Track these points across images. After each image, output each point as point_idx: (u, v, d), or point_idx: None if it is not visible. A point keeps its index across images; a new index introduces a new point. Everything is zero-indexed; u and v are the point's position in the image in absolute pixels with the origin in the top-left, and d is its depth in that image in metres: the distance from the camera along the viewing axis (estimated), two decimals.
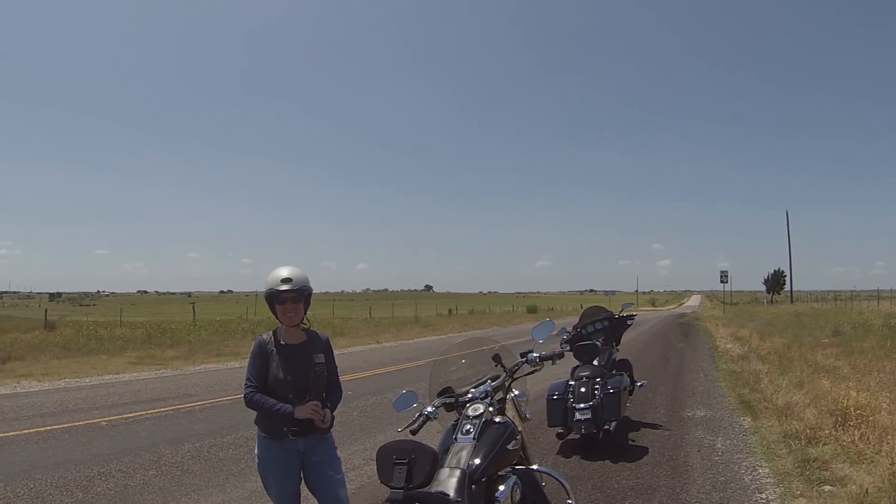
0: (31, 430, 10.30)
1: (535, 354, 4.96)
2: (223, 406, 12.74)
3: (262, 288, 4.59)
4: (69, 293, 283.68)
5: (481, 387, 4.62)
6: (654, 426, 10.41)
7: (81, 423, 10.94)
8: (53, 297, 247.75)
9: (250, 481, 7.43)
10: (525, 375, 5.01)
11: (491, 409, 4.42)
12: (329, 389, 4.70)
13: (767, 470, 7.86)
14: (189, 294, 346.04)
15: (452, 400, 4.60)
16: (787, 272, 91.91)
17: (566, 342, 10.27)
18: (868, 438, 8.37)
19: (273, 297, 4.50)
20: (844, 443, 8.42)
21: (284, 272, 4.49)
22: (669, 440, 9.49)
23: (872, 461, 7.54)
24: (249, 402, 4.48)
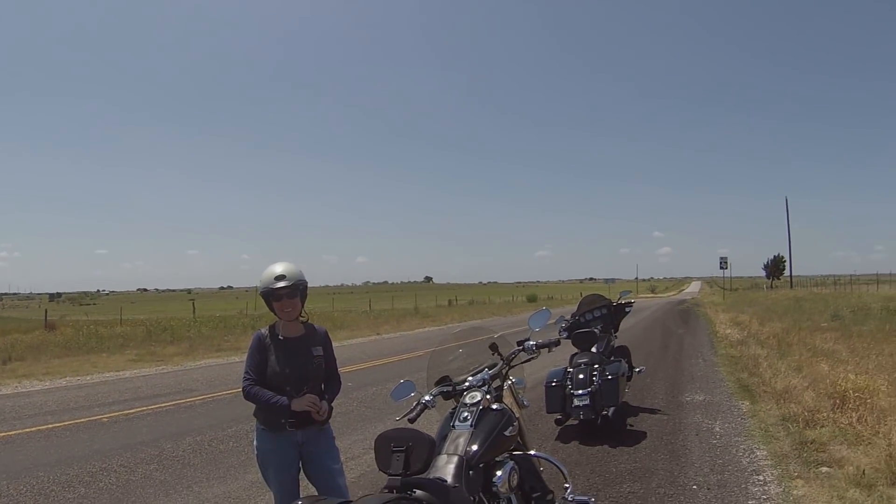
0: (33, 429, 10.34)
1: (531, 342, 4.98)
2: (223, 400, 12.80)
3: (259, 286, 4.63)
4: (69, 293, 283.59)
5: (479, 375, 4.64)
6: (652, 411, 10.46)
7: (83, 420, 10.99)
8: (53, 297, 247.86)
9: (251, 473, 7.48)
10: (522, 363, 5.04)
11: (488, 396, 4.45)
12: (327, 381, 4.76)
13: (765, 452, 7.90)
14: (189, 291, 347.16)
15: (450, 388, 4.62)
16: (786, 258, 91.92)
17: (565, 330, 10.31)
18: (866, 420, 8.41)
19: (269, 295, 4.54)
20: (842, 425, 8.46)
21: (278, 269, 4.53)
22: (668, 425, 9.54)
23: (870, 443, 7.58)
24: (248, 395, 4.54)
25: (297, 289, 4.56)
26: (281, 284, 4.48)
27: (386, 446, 3.45)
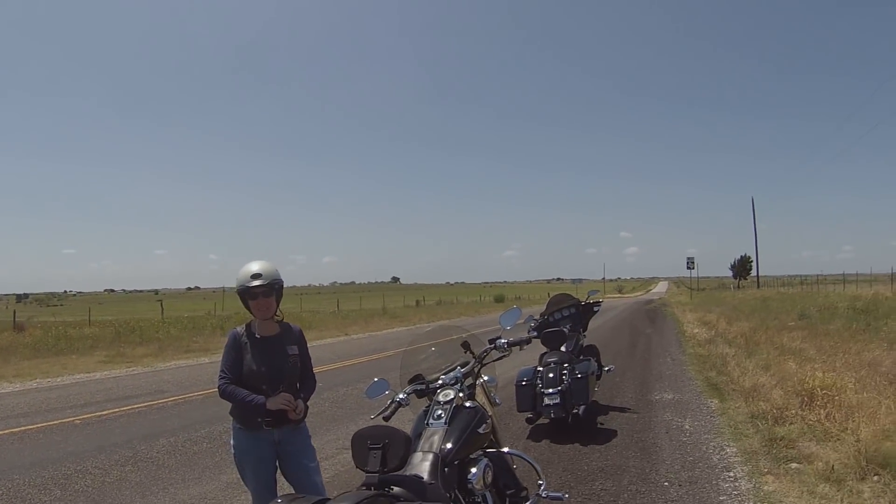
0: (6, 432, 10.25)
1: (503, 340, 5.04)
2: (196, 401, 12.77)
3: (231, 284, 4.66)
4: (36, 294, 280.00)
5: (451, 373, 4.69)
6: (622, 410, 10.57)
7: (55, 422, 10.91)
8: (21, 298, 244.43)
9: (226, 474, 7.50)
10: (494, 361, 5.10)
11: (461, 394, 4.50)
12: (302, 380, 4.79)
13: (735, 449, 8.03)
14: (156, 291, 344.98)
15: (423, 387, 4.68)
16: (753, 257, 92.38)
17: (534, 329, 10.38)
18: (834, 417, 8.50)
19: (245, 293, 4.56)
20: (811, 422, 8.57)
21: (255, 267, 4.56)
22: (638, 423, 9.65)
23: (838, 439, 7.68)
24: (223, 394, 4.56)
25: (273, 288, 4.59)
26: (257, 283, 4.51)
27: (363, 444, 3.49)
